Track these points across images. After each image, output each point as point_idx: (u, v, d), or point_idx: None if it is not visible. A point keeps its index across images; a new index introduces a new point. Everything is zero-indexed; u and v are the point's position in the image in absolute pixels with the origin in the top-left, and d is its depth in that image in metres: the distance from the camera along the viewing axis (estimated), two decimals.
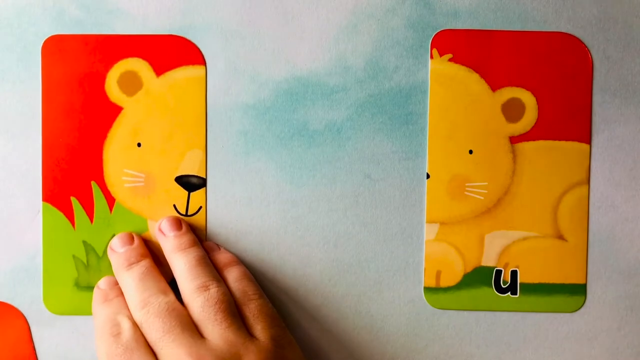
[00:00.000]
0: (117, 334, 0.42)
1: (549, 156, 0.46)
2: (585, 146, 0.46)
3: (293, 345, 0.43)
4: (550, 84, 0.46)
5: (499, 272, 0.46)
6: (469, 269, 0.46)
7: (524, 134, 0.46)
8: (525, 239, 0.46)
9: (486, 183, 0.46)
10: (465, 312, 0.47)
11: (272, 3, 0.46)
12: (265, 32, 0.46)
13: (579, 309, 0.46)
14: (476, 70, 0.46)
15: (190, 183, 0.46)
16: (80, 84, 0.46)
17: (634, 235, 0.46)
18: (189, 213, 0.46)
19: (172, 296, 0.43)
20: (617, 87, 0.46)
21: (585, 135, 0.46)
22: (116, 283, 0.45)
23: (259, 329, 0.42)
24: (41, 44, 0.46)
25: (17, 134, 0.46)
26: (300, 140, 0.46)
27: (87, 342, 0.47)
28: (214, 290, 0.43)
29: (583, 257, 0.46)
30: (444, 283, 0.46)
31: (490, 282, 0.46)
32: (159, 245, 0.46)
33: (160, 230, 0.46)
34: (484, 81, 0.46)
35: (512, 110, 0.46)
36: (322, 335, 0.47)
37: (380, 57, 0.46)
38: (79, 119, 0.46)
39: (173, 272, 0.45)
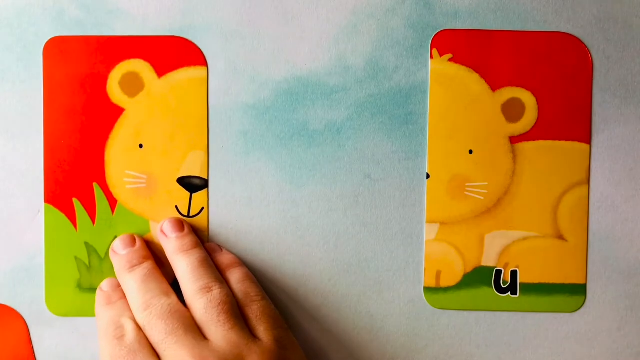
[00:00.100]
0: (120, 337, 0.42)
1: (549, 156, 0.46)
2: (585, 146, 0.46)
3: (295, 346, 0.43)
4: (550, 84, 0.46)
5: (499, 272, 0.46)
6: (469, 269, 0.46)
7: (524, 134, 0.46)
8: (525, 239, 0.46)
9: (486, 183, 0.46)
10: (465, 312, 0.47)
11: (272, 3, 0.46)
12: (265, 32, 0.46)
13: (579, 309, 0.47)
14: (476, 70, 0.46)
15: (193, 184, 0.46)
16: (82, 85, 0.46)
17: (634, 235, 0.46)
18: (191, 214, 0.47)
19: (174, 298, 0.43)
20: (617, 87, 0.46)
21: (585, 135, 0.46)
22: (119, 285, 0.45)
23: (262, 330, 0.42)
24: (41, 44, 0.46)
25: (17, 134, 0.46)
26: (300, 140, 0.46)
27: (87, 343, 0.47)
28: (216, 291, 0.43)
29: (583, 257, 0.46)
30: (444, 283, 0.46)
31: (490, 282, 0.46)
32: (161, 246, 0.46)
33: (162, 231, 0.46)
34: (484, 81, 0.46)
35: (512, 110, 0.46)
36: (322, 335, 0.47)
37: (380, 57, 0.46)
38: (80, 120, 0.46)
39: (175, 273, 0.45)
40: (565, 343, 0.47)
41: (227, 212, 0.47)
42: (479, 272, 0.46)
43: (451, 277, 0.46)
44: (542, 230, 0.46)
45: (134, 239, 0.46)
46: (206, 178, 0.46)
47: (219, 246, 0.47)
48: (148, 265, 0.45)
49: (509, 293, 0.46)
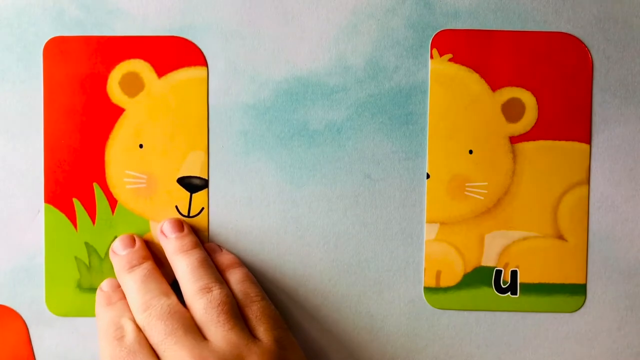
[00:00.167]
0: (120, 337, 0.42)
1: (549, 156, 0.46)
2: (585, 146, 0.46)
3: (295, 346, 0.43)
4: (550, 84, 0.46)
5: (499, 272, 0.46)
6: (469, 269, 0.46)
7: (524, 134, 0.46)
8: (525, 239, 0.46)
9: (486, 183, 0.46)
10: (465, 312, 0.47)
11: (272, 3, 0.46)
12: (265, 32, 0.46)
13: (579, 309, 0.47)
14: (476, 70, 0.46)
15: (193, 184, 0.46)
16: (82, 85, 0.46)
17: (634, 235, 0.46)
18: (191, 214, 0.47)
19: (174, 298, 0.43)
20: (617, 87, 0.46)
21: (585, 135, 0.46)
22: (119, 285, 0.45)
23: (262, 331, 0.42)
24: (41, 44, 0.46)
25: (17, 134, 0.46)
26: (300, 140, 0.46)
27: (87, 343, 0.47)
28: (216, 292, 0.43)
29: (583, 257, 0.46)
30: (444, 283, 0.46)
31: (490, 282, 0.46)
32: (162, 246, 0.46)
33: (162, 232, 0.46)
34: (484, 81, 0.46)
35: (512, 110, 0.46)
36: (322, 335, 0.47)
37: (380, 57, 0.46)
38: (80, 120, 0.46)
39: (175, 274, 0.45)
40: (565, 343, 0.47)
41: (227, 212, 0.47)
42: (479, 272, 0.46)
43: (451, 277, 0.46)
44: (542, 230, 0.46)
45: (134, 240, 0.46)
46: (206, 178, 0.46)
47: (219, 246, 0.47)
48: (148, 265, 0.45)
49: (509, 293, 0.46)
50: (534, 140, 0.46)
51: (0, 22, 0.46)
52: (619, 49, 0.46)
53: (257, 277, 0.46)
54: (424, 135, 0.46)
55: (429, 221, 0.46)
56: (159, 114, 0.46)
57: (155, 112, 0.46)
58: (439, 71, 0.46)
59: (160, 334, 0.41)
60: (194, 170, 0.46)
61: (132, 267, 0.44)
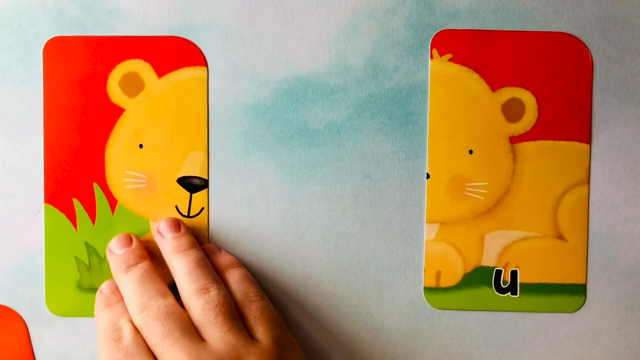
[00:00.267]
0: (118, 339, 0.42)
1: (549, 156, 0.46)
2: (585, 146, 0.46)
3: (295, 347, 0.43)
4: (550, 84, 0.46)
5: (499, 272, 0.46)
6: (469, 269, 0.46)
7: (524, 134, 0.46)
8: (525, 239, 0.46)
9: (486, 183, 0.46)
10: (465, 312, 0.47)
11: (272, 3, 0.46)
12: (265, 32, 0.46)
13: (579, 309, 0.47)
14: (476, 70, 0.46)
15: (193, 184, 0.46)
16: (82, 85, 0.46)
17: (634, 235, 0.46)
18: (191, 214, 0.47)
19: (171, 299, 0.43)
20: (617, 87, 0.46)
21: (585, 135, 0.46)
22: (118, 288, 0.45)
23: (261, 331, 0.42)
24: (41, 44, 0.46)
25: (17, 134, 0.46)
26: (300, 140, 0.46)
27: (86, 343, 0.47)
28: (214, 292, 0.42)
29: (583, 257, 0.46)
30: (444, 283, 0.46)
31: (490, 282, 0.46)
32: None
33: (158, 231, 0.46)
34: (484, 81, 0.46)
35: (512, 110, 0.46)
36: (322, 335, 0.47)
37: (380, 57, 0.46)
38: (80, 120, 0.46)
39: (172, 274, 0.44)
40: (565, 343, 0.47)
41: (227, 212, 0.47)
42: (479, 272, 0.46)
43: (451, 277, 0.46)
44: (542, 230, 0.46)
45: (131, 239, 0.46)
46: (206, 178, 0.46)
47: (218, 247, 0.46)
48: (144, 265, 0.44)
49: (509, 293, 0.46)
50: (534, 140, 0.46)
51: (0, 22, 0.46)
52: (619, 49, 0.46)
53: (257, 277, 0.46)
54: (424, 135, 0.46)
55: (429, 221, 0.46)
56: (159, 114, 0.46)
57: (155, 112, 0.46)
58: (439, 71, 0.46)
59: (158, 335, 0.41)
60: (194, 170, 0.46)
61: (128, 267, 0.44)
